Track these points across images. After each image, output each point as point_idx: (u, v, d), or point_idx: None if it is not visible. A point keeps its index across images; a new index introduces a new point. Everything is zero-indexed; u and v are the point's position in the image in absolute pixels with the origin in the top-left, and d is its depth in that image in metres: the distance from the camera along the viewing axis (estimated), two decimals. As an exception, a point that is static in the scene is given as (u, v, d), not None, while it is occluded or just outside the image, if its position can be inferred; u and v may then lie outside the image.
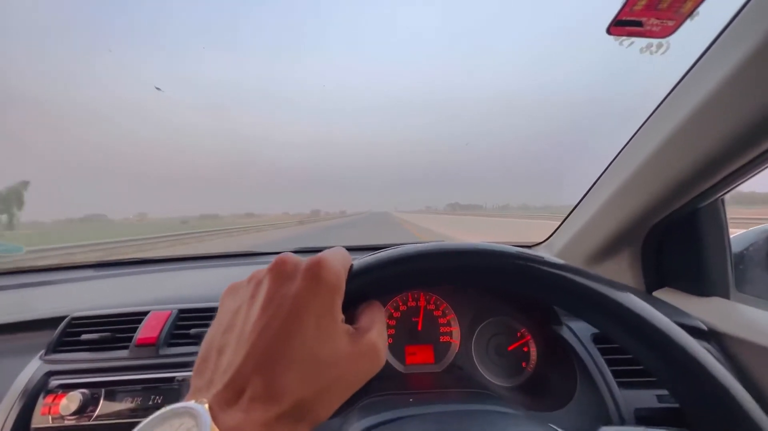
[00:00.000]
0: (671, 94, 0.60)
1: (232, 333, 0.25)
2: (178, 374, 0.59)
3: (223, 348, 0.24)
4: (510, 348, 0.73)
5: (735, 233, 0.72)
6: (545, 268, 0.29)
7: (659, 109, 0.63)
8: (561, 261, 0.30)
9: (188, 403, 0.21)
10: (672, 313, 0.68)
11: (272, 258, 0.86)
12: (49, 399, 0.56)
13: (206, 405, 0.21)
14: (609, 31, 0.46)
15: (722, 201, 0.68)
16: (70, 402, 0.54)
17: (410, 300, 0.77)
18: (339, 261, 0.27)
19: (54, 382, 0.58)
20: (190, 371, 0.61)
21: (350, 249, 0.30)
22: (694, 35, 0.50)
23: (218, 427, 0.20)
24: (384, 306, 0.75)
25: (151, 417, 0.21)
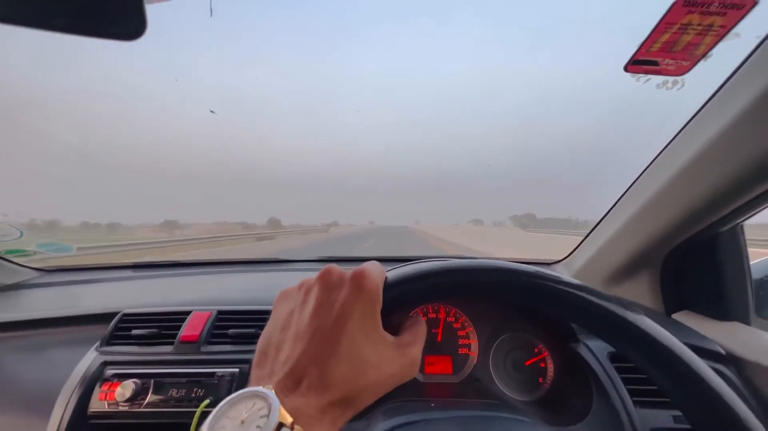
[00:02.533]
0: (693, 120, 0.62)
1: (288, 332, 0.29)
2: (218, 370, 0.64)
3: (281, 345, 0.29)
4: (527, 363, 0.75)
5: (757, 260, 0.73)
6: (562, 287, 0.32)
7: (681, 133, 0.65)
8: (578, 282, 0.33)
9: (257, 388, 0.25)
10: (691, 336, 0.69)
11: (301, 266, 0.92)
12: (106, 386, 0.63)
13: (273, 390, 0.25)
14: (626, 69, 0.50)
15: (741, 227, 0.69)
16: (125, 390, 0.60)
17: (431, 311, 0.80)
18: (377, 273, 0.31)
19: (109, 372, 0.65)
20: (229, 368, 0.67)
21: (379, 260, 0.35)
22: (712, 69, 0.53)
23: (283, 408, 0.24)
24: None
25: (227, 399, 0.25)
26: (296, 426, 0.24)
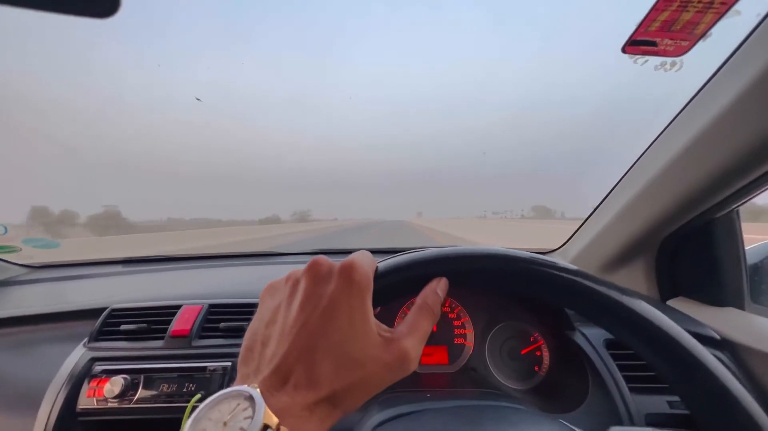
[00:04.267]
0: (688, 105, 0.61)
1: (275, 327, 0.27)
2: (210, 364, 0.63)
3: (267, 340, 0.27)
4: (523, 351, 0.75)
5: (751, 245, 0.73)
6: (558, 273, 0.31)
7: (676, 119, 0.64)
8: (574, 267, 0.32)
9: (242, 387, 0.24)
10: (686, 322, 0.69)
11: (293, 258, 0.91)
12: (94, 383, 0.61)
13: (258, 389, 0.24)
14: (624, 50, 0.48)
15: (737, 212, 0.69)
16: (114, 386, 0.59)
17: (426, 302, 0.79)
18: (367, 264, 0.30)
19: (98, 368, 0.63)
20: (221, 361, 0.65)
21: (373, 251, 0.33)
22: (710, 50, 0.52)
23: (268, 408, 0.23)
24: (401, 307, 0.78)
25: (209, 399, 0.24)
26: (282, 428, 0.22)
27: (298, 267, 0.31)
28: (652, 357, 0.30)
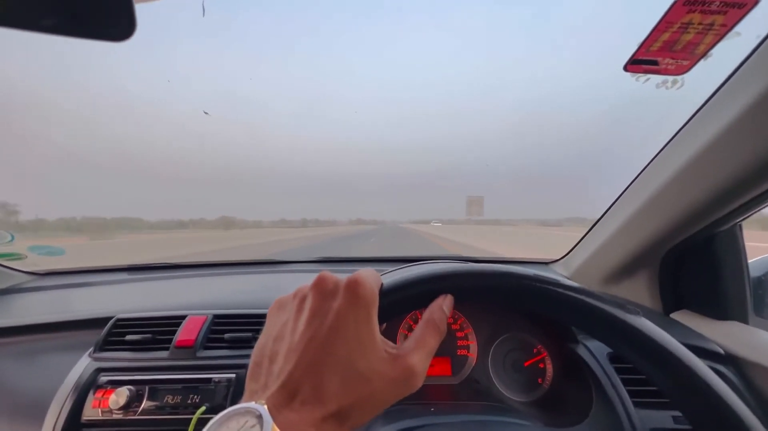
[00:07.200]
0: (693, 119, 0.62)
1: (282, 343, 0.28)
2: (215, 376, 0.63)
3: (275, 356, 0.28)
4: (526, 363, 0.75)
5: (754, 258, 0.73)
6: (562, 291, 0.31)
7: (680, 133, 0.65)
8: (577, 284, 0.32)
9: (249, 404, 0.25)
10: (689, 336, 0.69)
11: (297, 266, 0.90)
12: (99, 393, 0.61)
13: (265, 406, 0.24)
14: (626, 69, 0.49)
15: (740, 226, 0.69)
16: (119, 397, 0.59)
17: (429, 313, 0.79)
18: (373, 280, 0.30)
19: (103, 378, 0.63)
20: (225, 373, 0.66)
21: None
22: (714, 63, 0.53)
23: (276, 425, 0.23)
24: (404, 318, 0.79)
25: (218, 416, 0.25)
26: None
27: (303, 275, 0.31)
28: (655, 374, 0.31)
